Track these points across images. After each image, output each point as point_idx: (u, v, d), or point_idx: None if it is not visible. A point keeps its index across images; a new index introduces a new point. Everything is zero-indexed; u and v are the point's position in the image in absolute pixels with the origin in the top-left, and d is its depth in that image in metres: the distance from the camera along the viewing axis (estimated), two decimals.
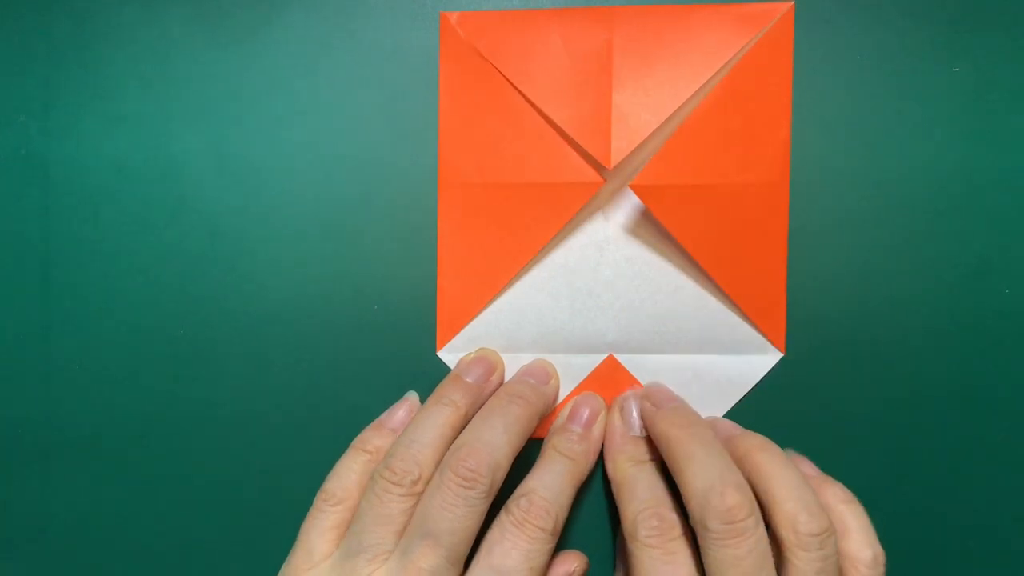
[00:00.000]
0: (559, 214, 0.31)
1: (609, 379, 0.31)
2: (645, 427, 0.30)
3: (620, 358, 0.31)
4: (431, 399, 0.29)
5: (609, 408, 0.31)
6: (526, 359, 0.31)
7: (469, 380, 0.30)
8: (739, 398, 0.31)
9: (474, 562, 0.27)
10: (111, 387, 0.31)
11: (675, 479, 0.27)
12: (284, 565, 0.28)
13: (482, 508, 0.27)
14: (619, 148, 0.30)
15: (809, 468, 0.30)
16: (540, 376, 0.31)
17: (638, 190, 0.30)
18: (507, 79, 0.31)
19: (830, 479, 0.28)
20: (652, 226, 0.31)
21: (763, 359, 0.31)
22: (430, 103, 0.31)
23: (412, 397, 0.31)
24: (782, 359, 0.31)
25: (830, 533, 0.26)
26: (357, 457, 0.29)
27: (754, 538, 0.25)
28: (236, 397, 0.31)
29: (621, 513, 0.28)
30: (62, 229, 0.31)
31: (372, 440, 0.30)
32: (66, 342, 0.31)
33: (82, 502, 0.31)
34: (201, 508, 0.31)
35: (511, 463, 0.28)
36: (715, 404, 0.31)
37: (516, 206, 0.31)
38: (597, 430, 0.30)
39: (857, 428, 0.28)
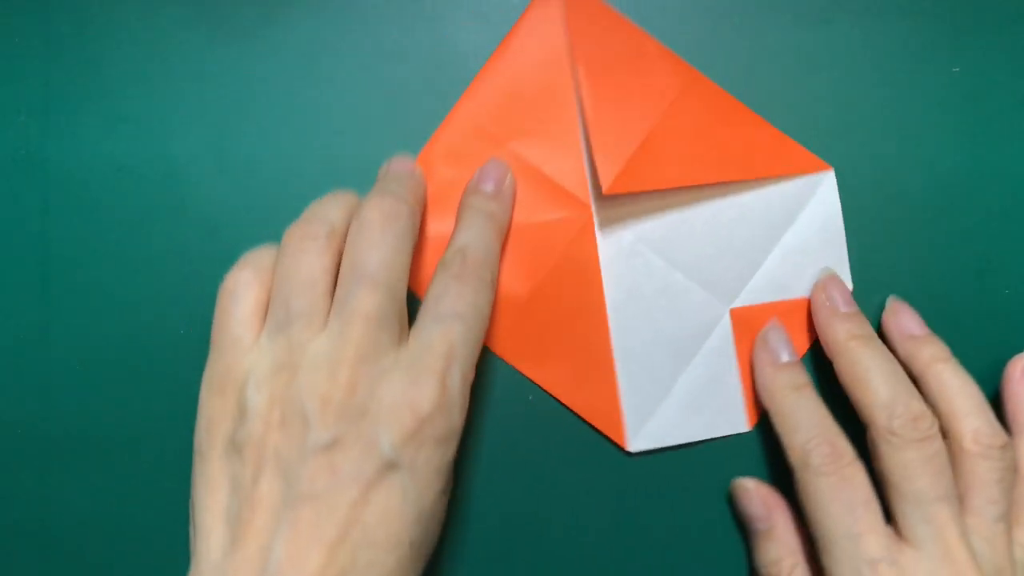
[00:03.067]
0: (548, 253, 0.31)
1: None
2: (818, 327, 0.30)
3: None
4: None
5: (754, 345, 0.31)
6: None
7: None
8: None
9: (422, 312, 0.26)
10: (111, 387, 0.31)
11: (852, 388, 0.28)
12: (208, 366, 0.26)
13: (412, 241, 0.26)
14: (604, 172, 0.30)
15: (914, 323, 0.30)
16: (496, 181, 0.30)
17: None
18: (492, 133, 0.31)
19: (935, 337, 0.29)
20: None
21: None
22: (430, 104, 0.31)
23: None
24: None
25: (1010, 446, 0.27)
26: (260, 249, 0.28)
27: (938, 443, 0.27)
28: None
29: (786, 444, 0.28)
30: (62, 229, 0.31)
31: (300, 226, 0.27)
32: (66, 342, 0.31)
33: (82, 502, 0.31)
34: None
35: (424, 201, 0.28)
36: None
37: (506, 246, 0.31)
38: (507, 187, 0.30)
39: (857, 428, 0.28)
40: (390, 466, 0.23)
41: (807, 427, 0.28)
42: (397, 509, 0.23)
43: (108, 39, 0.31)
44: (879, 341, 0.29)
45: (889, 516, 0.27)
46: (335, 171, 0.31)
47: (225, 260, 0.31)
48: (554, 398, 0.31)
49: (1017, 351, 0.31)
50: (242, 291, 0.26)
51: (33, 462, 0.31)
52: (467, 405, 0.25)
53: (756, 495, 0.30)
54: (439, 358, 0.24)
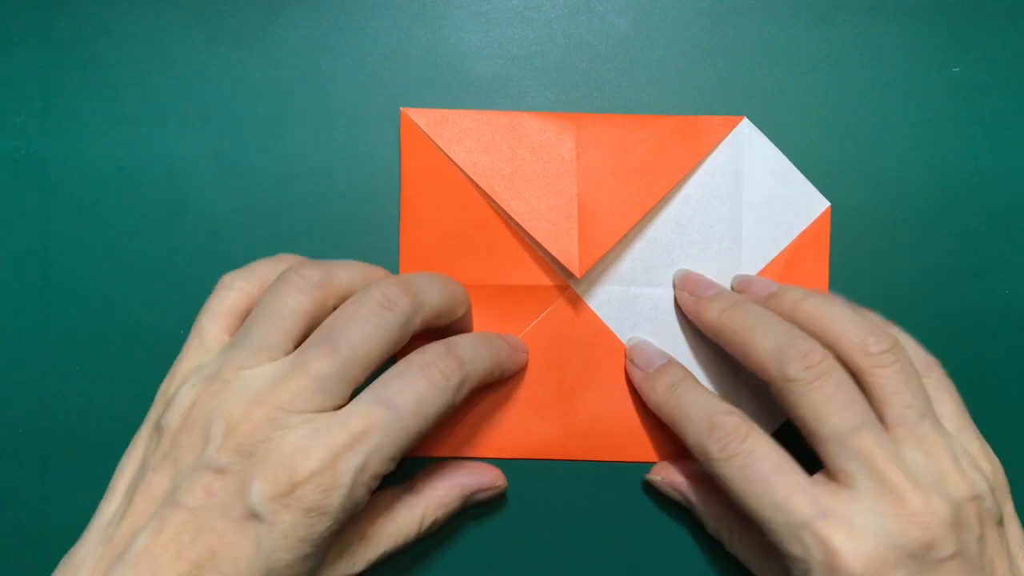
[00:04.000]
0: (523, 316, 0.31)
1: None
2: (694, 320, 0.30)
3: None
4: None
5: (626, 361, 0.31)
6: None
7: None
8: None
9: (366, 389, 0.25)
10: (111, 387, 0.31)
11: (740, 354, 0.27)
12: (182, 349, 0.27)
13: (394, 337, 0.25)
14: (587, 255, 0.30)
15: (760, 284, 0.30)
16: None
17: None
18: (470, 179, 0.31)
19: (786, 285, 0.29)
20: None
21: None
22: (430, 104, 0.31)
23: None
24: None
25: (898, 345, 0.26)
26: (275, 261, 0.28)
27: (838, 374, 0.26)
28: None
29: (687, 443, 0.27)
30: (62, 229, 0.31)
31: (306, 265, 0.27)
32: (66, 342, 0.31)
33: (82, 502, 0.31)
34: None
35: (437, 316, 0.27)
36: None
37: (479, 306, 0.31)
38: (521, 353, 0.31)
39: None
40: (251, 515, 0.23)
41: (698, 416, 0.27)
42: (247, 557, 0.23)
43: (108, 39, 0.31)
44: (749, 302, 0.28)
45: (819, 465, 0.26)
46: (335, 171, 0.31)
47: (225, 260, 0.31)
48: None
49: (1017, 351, 0.31)
50: (231, 295, 0.27)
51: (33, 462, 0.31)
52: (362, 495, 0.24)
53: (664, 486, 0.30)
54: (346, 435, 0.24)
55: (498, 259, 0.31)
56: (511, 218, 0.30)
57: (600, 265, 0.31)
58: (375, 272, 0.28)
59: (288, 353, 0.25)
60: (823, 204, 0.31)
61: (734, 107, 0.31)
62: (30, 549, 0.31)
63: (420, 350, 0.26)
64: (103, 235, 0.31)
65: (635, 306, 0.31)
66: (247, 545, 0.23)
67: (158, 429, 0.26)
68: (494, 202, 0.31)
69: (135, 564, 0.23)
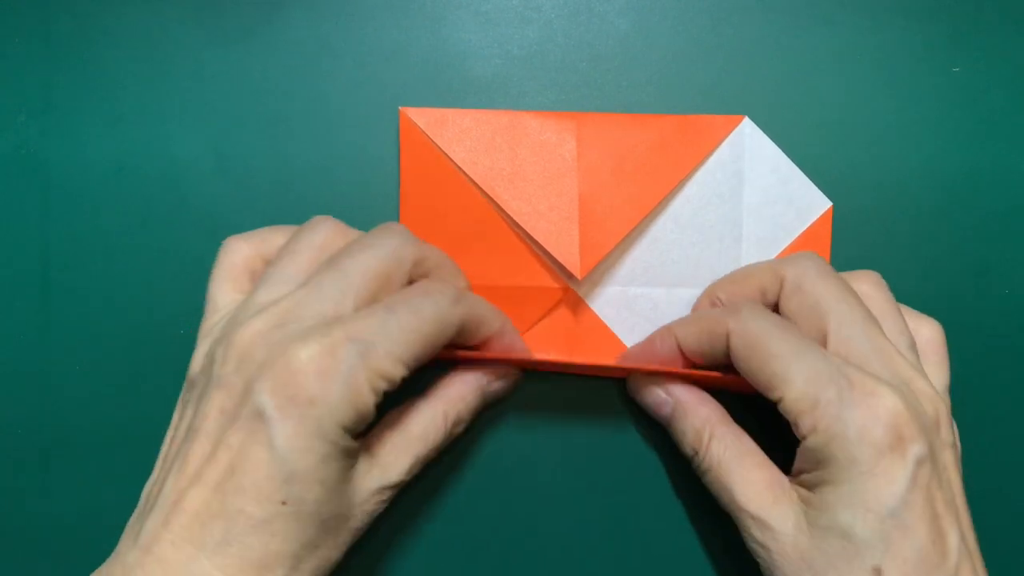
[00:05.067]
0: (524, 317, 0.31)
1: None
2: (670, 364, 0.29)
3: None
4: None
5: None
6: None
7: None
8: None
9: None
10: (111, 387, 0.31)
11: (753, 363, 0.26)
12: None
13: (398, 255, 0.26)
14: (588, 257, 0.30)
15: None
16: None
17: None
18: (470, 179, 0.30)
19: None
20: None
21: None
22: (430, 104, 0.31)
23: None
24: None
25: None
26: (275, 228, 0.29)
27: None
28: None
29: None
30: (62, 229, 0.31)
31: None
32: (66, 342, 0.31)
33: (82, 502, 0.31)
34: None
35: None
36: None
37: None
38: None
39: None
40: (258, 415, 0.23)
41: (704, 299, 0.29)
42: (264, 463, 0.23)
43: (108, 39, 0.31)
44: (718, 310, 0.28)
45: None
46: (335, 171, 0.31)
47: None
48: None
49: (1017, 351, 0.31)
50: (233, 256, 0.28)
51: (33, 462, 0.31)
52: (366, 392, 0.24)
53: (649, 386, 0.29)
54: (342, 332, 0.24)
55: (498, 260, 0.31)
56: (511, 218, 0.30)
57: (601, 266, 0.31)
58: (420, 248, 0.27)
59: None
60: (825, 204, 0.31)
61: (735, 107, 0.31)
62: (30, 549, 0.31)
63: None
64: (103, 235, 0.31)
65: (635, 306, 0.31)
66: (260, 452, 0.23)
67: (188, 383, 0.26)
68: (494, 202, 0.30)
69: (163, 506, 0.23)
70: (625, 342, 0.31)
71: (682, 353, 0.29)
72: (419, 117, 0.31)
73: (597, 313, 0.31)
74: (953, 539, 0.24)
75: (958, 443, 0.27)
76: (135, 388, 0.31)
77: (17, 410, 0.31)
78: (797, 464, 0.26)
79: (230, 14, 0.31)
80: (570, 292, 0.31)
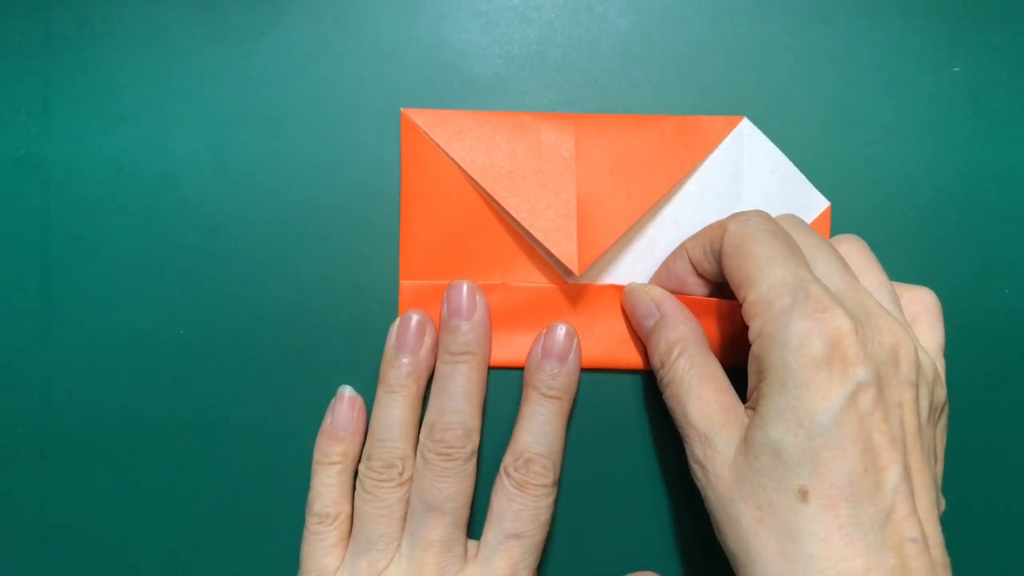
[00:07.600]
0: (523, 315, 0.31)
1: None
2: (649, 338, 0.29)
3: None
4: (381, 388, 0.30)
5: (624, 302, 0.31)
6: None
7: (406, 360, 0.30)
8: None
9: (487, 529, 0.29)
10: (111, 387, 0.31)
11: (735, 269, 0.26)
12: None
13: (471, 469, 0.29)
14: (586, 253, 0.30)
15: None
16: (467, 311, 0.30)
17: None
18: (470, 179, 0.30)
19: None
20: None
21: None
22: (430, 104, 0.31)
23: (347, 392, 0.31)
24: None
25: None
26: (329, 471, 0.30)
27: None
28: (236, 397, 0.31)
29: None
30: (62, 229, 0.31)
31: (333, 449, 0.30)
32: (66, 342, 0.31)
33: (82, 502, 0.31)
34: (201, 508, 0.31)
35: (481, 414, 0.30)
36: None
37: None
38: (573, 357, 0.30)
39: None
40: None
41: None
42: None
43: (108, 39, 0.31)
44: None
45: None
46: (335, 171, 0.31)
47: (225, 260, 0.31)
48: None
49: (1017, 351, 0.31)
50: (329, 522, 0.30)
51: (33, 462, 0.31)
52: None
53: (643, 292, 0.30)
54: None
55: (498, 258, 0.31)
56: (511, 217, 0.30)
57: (599, 264, 0.31)
58: (398, 405, 0.30)
59: (397, 533, 0.29)
60: (823, 204, 0.31)
61: (734, 107, 0.31)
62: (30, 549, 0.31)
63: (504, 472, 0.29)
64: (103, 235, 0.31)
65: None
66: None
67: None
68: (494, 201, 0.31)
69: None
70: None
71: (694, 269, 0.29)
72: (420, 117, 0.31)
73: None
74: (892, 475, 0.23)
75: (938, 396, 0.26)
76: (135, 388, 0.31)
77: (17, 410, 0.31)
78: (749, 384, 0.25)
79: (230, 14, 0.31)
80: (569, 289, 0.31)
